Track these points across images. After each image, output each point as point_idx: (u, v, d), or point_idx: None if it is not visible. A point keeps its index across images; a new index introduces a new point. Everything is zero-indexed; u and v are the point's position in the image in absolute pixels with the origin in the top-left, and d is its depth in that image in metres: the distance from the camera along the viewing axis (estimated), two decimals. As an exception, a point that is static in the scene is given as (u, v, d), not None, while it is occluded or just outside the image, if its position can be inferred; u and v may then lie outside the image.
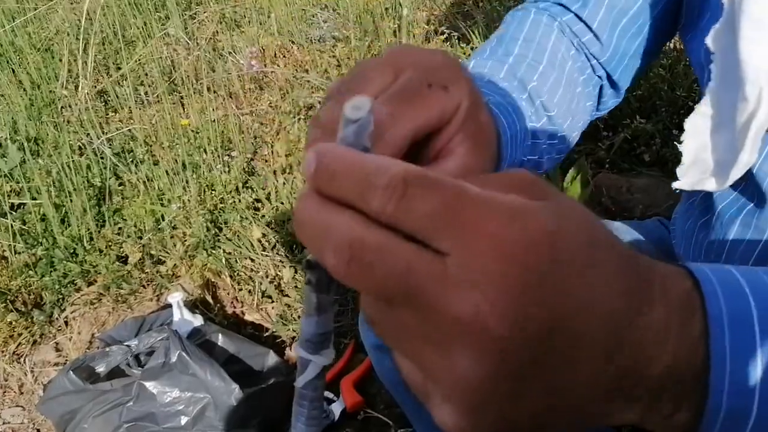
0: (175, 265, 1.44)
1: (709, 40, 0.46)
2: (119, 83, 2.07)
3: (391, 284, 0.22)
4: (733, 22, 0.44)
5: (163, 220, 1.51)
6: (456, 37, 1.90)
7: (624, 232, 0.73)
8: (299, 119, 1.74)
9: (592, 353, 0.22)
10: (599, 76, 0.61)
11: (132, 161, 1.69)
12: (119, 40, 2.23)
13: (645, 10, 0.57)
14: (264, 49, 2.09)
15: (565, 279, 0.21)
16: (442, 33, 1.91)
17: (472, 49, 1.74)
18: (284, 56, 2.07)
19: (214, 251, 1.42)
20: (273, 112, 1.80)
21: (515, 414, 0.22)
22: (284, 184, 1.51)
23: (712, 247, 0.56)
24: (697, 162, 0.49)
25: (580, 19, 0.59)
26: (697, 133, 0.48)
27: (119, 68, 2.15)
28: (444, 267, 0.21)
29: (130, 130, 1.79)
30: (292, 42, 2.12)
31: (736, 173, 0.46)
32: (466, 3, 2.14)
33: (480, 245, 0.21)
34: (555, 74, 0.57)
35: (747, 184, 0.51)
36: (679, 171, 0.50)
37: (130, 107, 1.89)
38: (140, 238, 1.49)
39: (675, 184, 0.51)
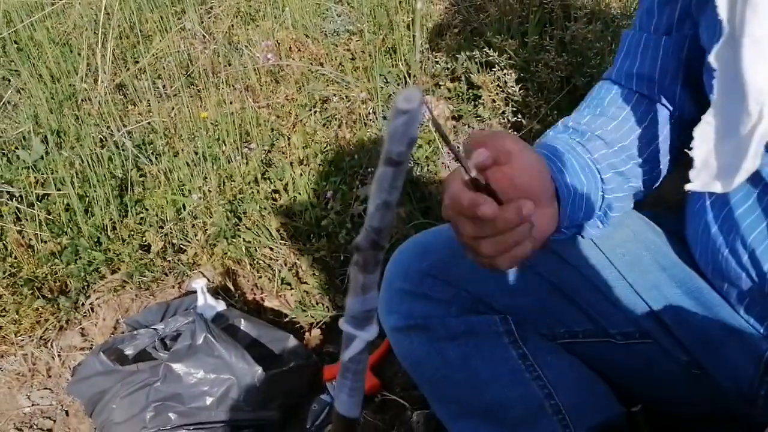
0: (195, 253, 1.48)
1: (711, 58, 0.51)
2: (137, 77, 2.11)
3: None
4: (734, 41, 0.49)
5: (184, 209, 1.55)
6: (469, 30, 1.92)
7: (637, 219, 0.77)
8: (315, 112, 1.77)
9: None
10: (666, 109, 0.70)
11: (152, 153, 1.72)
12: (136, 35, 2.27)
13: (675, 51, 0.67)
14: (279, 43, 2.12)
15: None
16: (456, 26, 1.93)
17: (485, 42, 1.76)
18: (299, 50, 2.09)
19: (234, 240, 1.46)
20: (289, 104, 1.83)
21: None
22: (301, 175, 1.54)
23: (724, 244, 0.62)
24: (706, 166, 0.55)
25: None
26: (704, 140, 0.54)
27: (137, 62, 2.19)
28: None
29: (149, 122, 1.83)
30: (307, 35, 2.14)
31: (741, 177, 0.52)
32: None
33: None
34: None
35: (757, 184, 0.56)
36: (691, 174, 0.56)
37: (148, 100, 1.92)
38: (162, 227, 1.53)
39: (687, 186, 0.56)
